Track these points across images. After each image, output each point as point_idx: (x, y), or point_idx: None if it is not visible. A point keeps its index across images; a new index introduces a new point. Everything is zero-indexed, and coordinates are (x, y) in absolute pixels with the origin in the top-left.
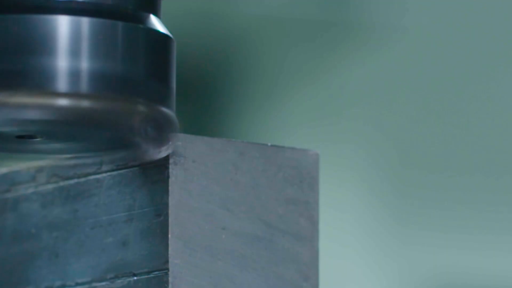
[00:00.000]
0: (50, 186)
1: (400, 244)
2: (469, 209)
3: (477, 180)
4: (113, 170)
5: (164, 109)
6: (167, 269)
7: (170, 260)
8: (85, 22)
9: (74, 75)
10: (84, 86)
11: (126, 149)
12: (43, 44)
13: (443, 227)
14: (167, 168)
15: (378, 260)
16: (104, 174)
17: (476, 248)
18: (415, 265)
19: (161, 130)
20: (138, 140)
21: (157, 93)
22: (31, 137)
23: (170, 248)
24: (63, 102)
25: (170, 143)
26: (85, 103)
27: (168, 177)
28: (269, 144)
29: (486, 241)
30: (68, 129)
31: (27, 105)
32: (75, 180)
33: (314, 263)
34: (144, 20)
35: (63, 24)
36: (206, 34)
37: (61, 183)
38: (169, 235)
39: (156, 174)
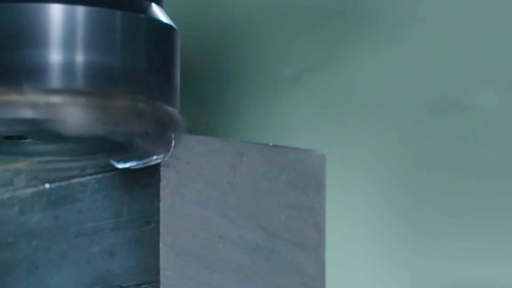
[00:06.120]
0: (29, 190)
1: (414, 254)
2: (490, 215)
3: (499, 184)
4: (98, 173)
5: (167, 107)
6: (158, 281)
7: (161, 271)
8: (80, 11)
9: (69, 69)
10: (79, 82)
11: (125, 151)
12: (34, 36)
13: (460, 235)
14: (158, 170)
15: (389, 271)
16: (88, 177)
17: (498, 258)
18: (430, 276)
19: (163, 130)
20: (138, 141)
21: (160, 89)
22: (21, 137)
23: (161, 259)
24: (56, 99)
25: (173, 144)
26: (80, 101)
27: (159, 180)
28: (271, 144)
29: (509, 251)
30: (61, 129)
31: (16, 103)
32: (57, 184)
33: (319, 274)
34: (145, 9)
35: (56, 13)
36: (203, 23)
37: (41, 187)
38: (160, 244)
39: (146, 177)
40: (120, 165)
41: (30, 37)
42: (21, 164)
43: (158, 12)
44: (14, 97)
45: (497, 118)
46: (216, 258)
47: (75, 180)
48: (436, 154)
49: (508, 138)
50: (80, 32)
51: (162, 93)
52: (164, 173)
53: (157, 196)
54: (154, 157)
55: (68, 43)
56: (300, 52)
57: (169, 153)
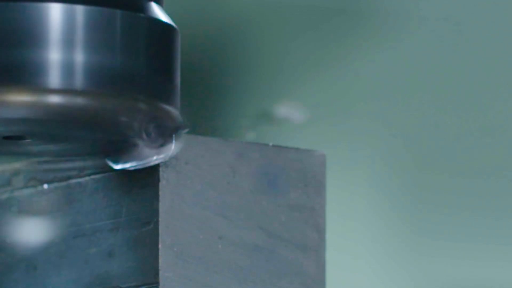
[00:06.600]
0: (27, 191)
1: (415, 255)
2: (490, 216)
3: (499, 185)
4: (97, 173)
5: (167, 107)
6: (157, 282)
7: (160, 273)
8: (79, 10)
9: (68, 69)
10: (78, 81)
11: (125, 151)
12: (33, 35)
13: (461, 235)
14: (157, 170)
15: (391, 272)
16: (87, 178)
17: (498, 259)
18: (430, 277)
19: (163, 130)
20: (138, 141)
21: (160, 89)
22: (19, 138)
23: (160, 260)
24: (55, 99)
25: (173, 144)
26: (79, 101)
27: (158, 180)
28: (271, 144)
29: (509, 252)
30: (60, 129)
31: (15, 103)
32: (55, 184)
33: (320, 275)
34: (145, 8)
35: (55, 12)
36: (203, 22)
37: (40, 188)
38: (160, 245)
39: (145, 177)
40: (120, 166)
41: (29, 36)
42: (19, 165)
43: (158, 11)
44: (13, 96)
45: (498, 118)
46: (216, 259)
47: (74, 181)
48: (437, 154)
49: (508, 139)
50: (80, 32)
51: (162, 93)
52: (163, 174)
53: (156, 197)
54: (154, 158)
55: (67, 43)
56: (300, 51)
57: (169, 154)
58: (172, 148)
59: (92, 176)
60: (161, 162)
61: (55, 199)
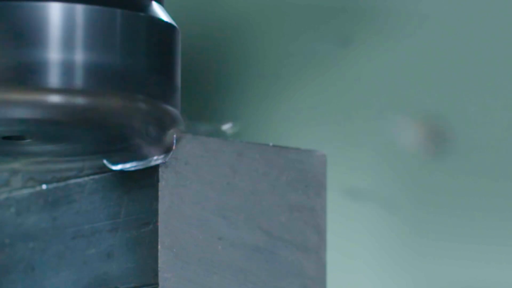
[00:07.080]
0: (25, 191)
1: (417, 256)
2: (496, 217)
3: (502, 186)
4: (96, 173)
5: (168, 107)
6: (157, 283)
7: (159, 274)
8: (79, 9)
9: (67, 68)
10: (78, 81)
11: (124, 152)
12: (32, 35)
13: (465, 237)
14: (157, 171)
15: (392, 274)
16: (86, 178)
17: (500, 260)
18: (433, 279)
19: (164, 130)
20: (138, 141)
21: (160, 89)
22: (19, 138)
23: (160, 261)
24: (54, 99)
25: (174, 145)
26: (79, 100)
27: (157, 181)
28: (271, 144)
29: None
30: (60, 129)
31: (14, 102)
32: (54, 185)
33: (320, 277)
34: (145, 8)
35: (54, 11)
36: (204, 21)
37: (38, 188)
38: (159, 246)
39: (144, 177)
40: (119, 166)
41: (28, 35)
42: (17, 165)
43: (158, 10)
44: (12, 96)
45: (499, 117)
46: (215, 260)
47: (73, 181)
48: (438, 154)
49: (510, 138)
50: (79, 31)
51: (163, 92)
52: (162, 174)
53: (155, 197)
54: (154, 158)
55: (67, 42)
56: (301, 50)
57: (170, 154)
58: (172, 148)
59: (91, 177)
60: (161, 163)
61: (53, 199)
